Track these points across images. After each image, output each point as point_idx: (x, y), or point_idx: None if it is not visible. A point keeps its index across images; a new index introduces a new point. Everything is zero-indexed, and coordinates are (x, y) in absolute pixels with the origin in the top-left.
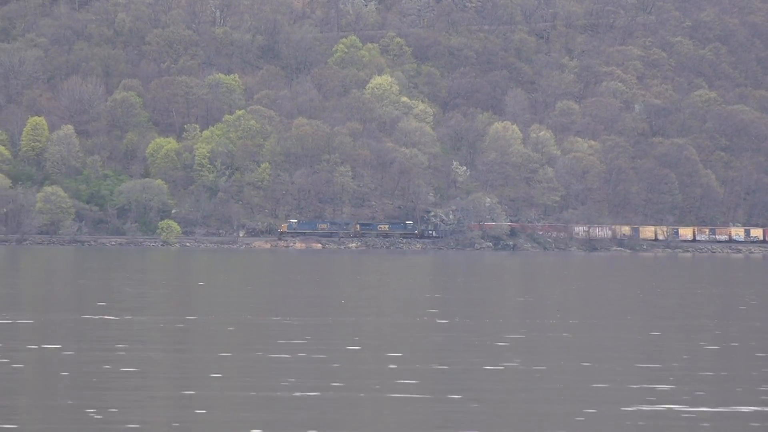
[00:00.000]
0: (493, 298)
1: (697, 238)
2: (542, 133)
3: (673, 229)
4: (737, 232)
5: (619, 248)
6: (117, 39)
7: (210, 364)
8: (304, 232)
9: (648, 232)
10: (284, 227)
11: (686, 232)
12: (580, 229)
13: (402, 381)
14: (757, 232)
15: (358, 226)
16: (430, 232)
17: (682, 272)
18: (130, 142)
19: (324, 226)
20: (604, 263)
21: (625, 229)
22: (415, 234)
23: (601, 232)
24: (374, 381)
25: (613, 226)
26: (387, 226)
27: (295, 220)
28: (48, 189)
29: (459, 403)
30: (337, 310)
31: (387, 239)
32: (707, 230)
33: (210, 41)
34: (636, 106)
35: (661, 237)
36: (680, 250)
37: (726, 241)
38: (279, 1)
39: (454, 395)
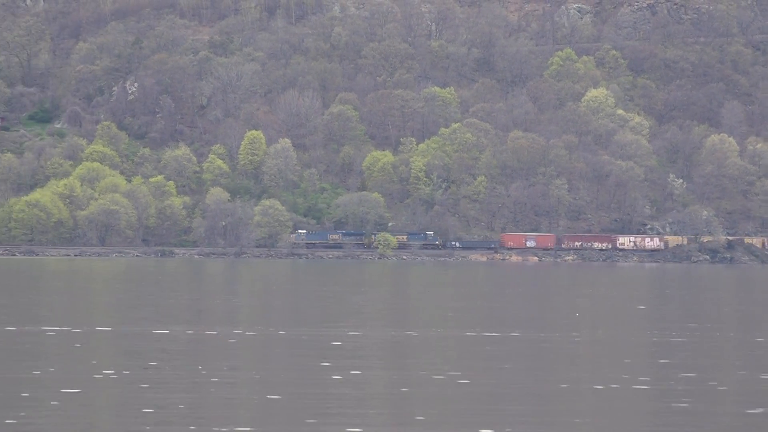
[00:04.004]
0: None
1: None
2: (759, 145)
3: None
4: None
5: None
6: (333, 53)
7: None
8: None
9: None
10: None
11: None
12: None
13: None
14: None
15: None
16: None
17: None
18: (347, 156)
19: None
20: None
21: None
22: (363, 244)
23: None
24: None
25: None
26: (339, 236)
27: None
28: (266, 202)
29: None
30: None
31: (603, 252)
32: None
33: (426, 54)
34: None
35: None
36: None
37: None
38: (494, 14)
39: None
